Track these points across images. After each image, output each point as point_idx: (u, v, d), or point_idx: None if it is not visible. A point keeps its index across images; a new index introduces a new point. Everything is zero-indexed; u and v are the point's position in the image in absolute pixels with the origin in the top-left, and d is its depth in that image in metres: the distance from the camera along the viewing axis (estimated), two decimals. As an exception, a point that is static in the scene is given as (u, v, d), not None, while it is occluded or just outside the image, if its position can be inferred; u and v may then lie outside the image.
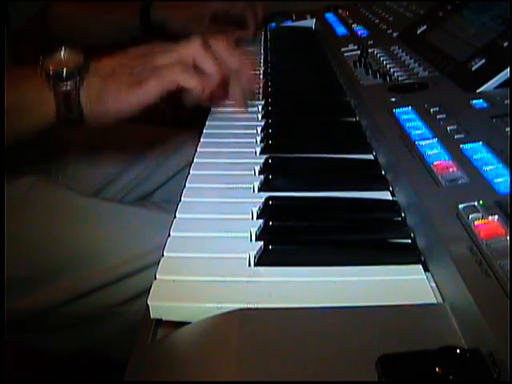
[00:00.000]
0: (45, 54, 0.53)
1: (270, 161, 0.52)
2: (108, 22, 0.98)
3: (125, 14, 0.97)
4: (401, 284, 0.35)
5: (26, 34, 0.85)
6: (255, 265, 0.38)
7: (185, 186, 0.48)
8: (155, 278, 0.36)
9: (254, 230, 0.41)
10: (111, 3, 0.99)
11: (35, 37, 0.94)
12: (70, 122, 0.53)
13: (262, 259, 0.38)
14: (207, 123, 0.63)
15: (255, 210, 0.44)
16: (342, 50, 0.83)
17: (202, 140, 0.57)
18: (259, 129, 0.60)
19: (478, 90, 0.54)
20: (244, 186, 0.48)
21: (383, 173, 0.50)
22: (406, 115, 0.53)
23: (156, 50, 0.56)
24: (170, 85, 0.52)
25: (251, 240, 0.40)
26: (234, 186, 0.48)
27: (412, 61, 0.69)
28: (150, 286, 0.35)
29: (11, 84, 0.52)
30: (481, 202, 0.36)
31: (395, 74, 0.66)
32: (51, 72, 0.51)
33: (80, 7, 0.96)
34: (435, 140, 0.47)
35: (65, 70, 0.51)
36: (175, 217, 0.43)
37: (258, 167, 0.51)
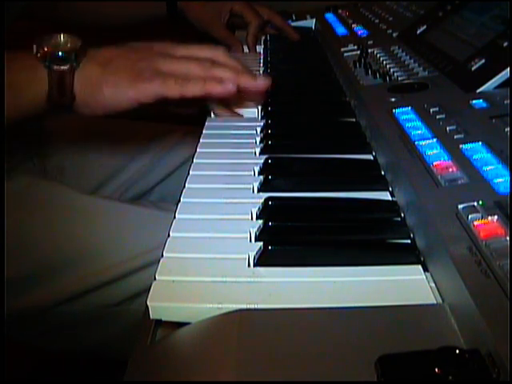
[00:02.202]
0: (42, 36, 0.52)
1: (269, 161, 0.52)
2: (135, 10, 0.96)
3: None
4: (400, 284, 0.35)
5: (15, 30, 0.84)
6: (255, 265, 0.38)
7: (184, 186, 0.48)
8: (155, 278, 0.36)
9: (253, 231, 0.41)
10: None
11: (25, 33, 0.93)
12: (61, 107, 0.52)
13: (262, 260, 0.38)
14: (206, 123, 0.63)
15: (255, 211, 0.44)
16: (342, 50, 0.83)
17: (201, 140, 0.57)
18: (259, 129, 0.60)
19: (478, 90, 0.54)
20: (243, 186, 0.48)
21: (383, 173, 0.50)
22: (406, 115, 0.53)
23: (159, 48, 0.55)
24: (173, 92, 0.52)
25: (251, 240, 0.40)
26: (234, 186, 0.48)
27: (412, 61, 0.69)
28: (150, 286, 0.35)
29: (5, 60, 0.51)
30: (480, 202, 0.36)
31: (395, 74, 0.66)
32: (47, 51, 0.50)
33: None
34: (435, 140, 0.47)
35: (61, 52, 0.50)
36: (175, 217, 0.43)
37: (258, 168, 0.51)
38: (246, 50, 0.98)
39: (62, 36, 0.53)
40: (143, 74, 0.51)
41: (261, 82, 0.57)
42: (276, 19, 1.02)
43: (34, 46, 0.51)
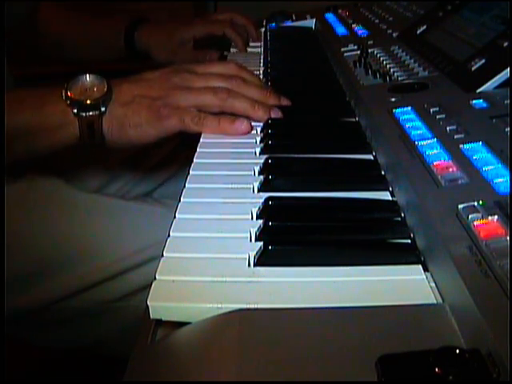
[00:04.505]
0: (69, 80, 0.54)
1: (269, 161, 0.52)
2: (95, 40, 0.96)
3: (112, 34, 0.94)
4: (400, 284, 0.35)
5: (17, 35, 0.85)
6: (255, 265, 0.38)
7: (184, 186, 0.48)
8: (155, 278, 0.36)
9: (253, 231, 0.41)
10: (98, 18, 0.96)
11: (27, 38, 0.93)
12: (92, 146, 0.55)
13: (262, 259, 0.38)
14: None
15: (255, 211, 0.44)
16: (342, 49, 0.83)
17: (201, 140, 0.57)
18: (259, 129, 0.60)
19: (478, 90, 0.54)
20: (244, 186, 0.48)
21: (383, 173, 0.50)
22: (406, 115, 0.53)
23: (176, 80, 0.57)
24: (190, 129, 0.55)
25: (251, 240, 0.40)
26: (234, 186, 0.48)
27: (412, 61, 0.69)
28: (151, 283, 0.35)
29: (37, 105, 0.54)
30: (481, 202, 0.36)
31: (395, 73, 0.66)
32: (75, 101, 0.53)
33: (67, 20, 0.94)
34: (435, 140, 0.47)
35: (89, 101, 0.52)
36: (175, 217, 0.43)
37: (258, 167, 0.51)
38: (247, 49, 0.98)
39: (87, 78, 0.55)
40: (161, 112, 0.54)
41: (273, 115, 0.60)
42: (238, 19, 1.01)
43: (63, 93, 0.53)
